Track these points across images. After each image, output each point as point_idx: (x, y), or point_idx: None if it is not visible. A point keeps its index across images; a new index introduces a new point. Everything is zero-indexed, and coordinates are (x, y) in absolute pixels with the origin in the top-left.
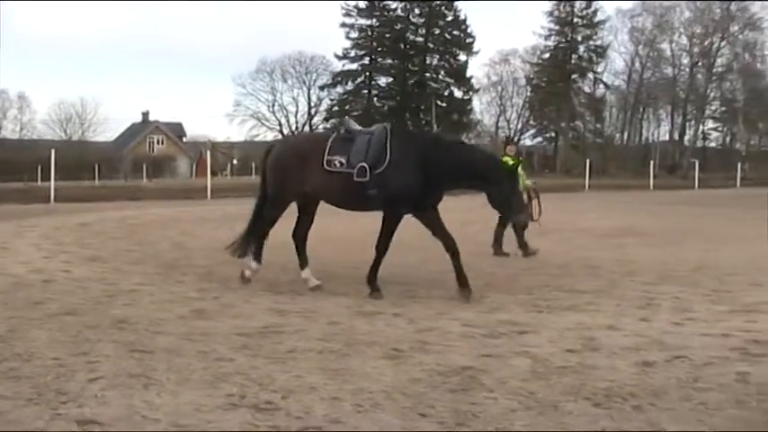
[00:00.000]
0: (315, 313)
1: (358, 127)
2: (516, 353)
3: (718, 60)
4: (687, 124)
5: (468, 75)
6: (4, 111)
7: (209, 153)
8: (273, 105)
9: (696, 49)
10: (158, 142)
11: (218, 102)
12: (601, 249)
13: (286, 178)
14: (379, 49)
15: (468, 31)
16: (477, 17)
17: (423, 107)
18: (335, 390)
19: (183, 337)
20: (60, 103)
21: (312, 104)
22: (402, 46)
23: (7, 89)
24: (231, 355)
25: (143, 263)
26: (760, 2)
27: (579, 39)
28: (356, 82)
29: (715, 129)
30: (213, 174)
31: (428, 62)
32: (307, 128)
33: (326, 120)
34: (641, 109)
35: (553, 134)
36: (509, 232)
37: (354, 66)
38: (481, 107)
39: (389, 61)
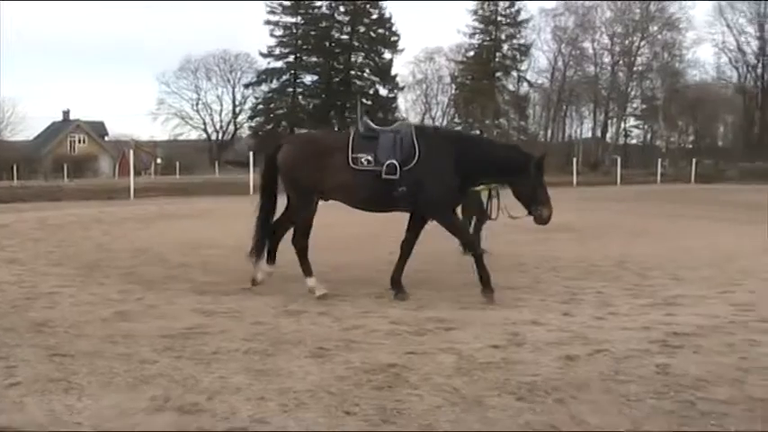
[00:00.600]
0: (240, 313)
1: (375, 125)
2: (442, 349)
3: (639, 59)
4: (609, 122)
5: (393, 73)
6: None
7: (131, 152)
8: (197, 104)
9: (617, 48)
10: (79, 141)
11: (142, 100)
12: (526, 245)
13: (307, 176)
14: (304, 46)
15: (393, 29)
16: (402, 15)
17: (348, 105)
18: (261, 390)
19: (106, 339)
20: None
21: (237, 103)
22: (327, 44)
23: None
24: (155, 358)
25: (63, 264)
26: (677, 2)
27: (503, 37)
28: (281, 80)
29: (636, 126)
30: (136, 173)
31: (353, 60)
32: (231, 127)
33: (251, 118)
34: (564, 107)
35: (478, 132)
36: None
37: (279, 64)
38: (406, 105)
39: (314, 59)
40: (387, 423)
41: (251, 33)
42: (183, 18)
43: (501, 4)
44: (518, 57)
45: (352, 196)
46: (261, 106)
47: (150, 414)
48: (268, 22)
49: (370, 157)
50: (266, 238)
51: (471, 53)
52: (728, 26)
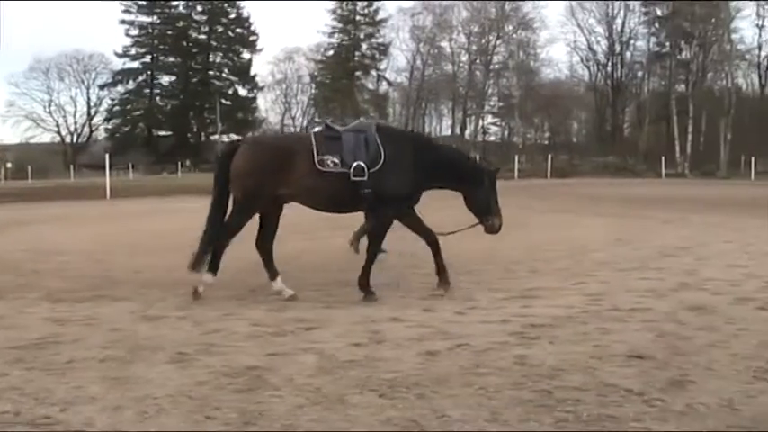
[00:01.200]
0: (96, 321)
1: (336, 126)
2: (303, 349)
3: (495, 58)
4: (468, 119)
5: (252, 73)
6: None
7: None
8: (50, 105)
9: (474, 47)
10: None
11: None
12: (386, 243)
13: (263, 181)
14: (161, 46)
15: (252, 28)
16: (261, 15)
17: (207, 105)
18: (118, 398)
19: None
20: None
21: (92, 104)
22: (185, 44)
23: None
24: (4, 370)
25: None
26: (531, 2)
27: (362, 36)
28: (137, 81)
29: (494, 123)
30: None
31: (212, 60)
32: (87, 129)
33: (107, 120)
34: (423, 105)
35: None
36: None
37: (135, 64)
38: (266, 105)
39: (172, 59)
40: (248, 425)
41: (105, 33)
42: (33, 16)
43: (359, 3)
44: (377, 56)
45: (318, 198)
46: (117, 108)
47: None
48: (123, 22)
49: (336, 159)
50: (211, 247)
51: (330, 52)
52: (579, 26)
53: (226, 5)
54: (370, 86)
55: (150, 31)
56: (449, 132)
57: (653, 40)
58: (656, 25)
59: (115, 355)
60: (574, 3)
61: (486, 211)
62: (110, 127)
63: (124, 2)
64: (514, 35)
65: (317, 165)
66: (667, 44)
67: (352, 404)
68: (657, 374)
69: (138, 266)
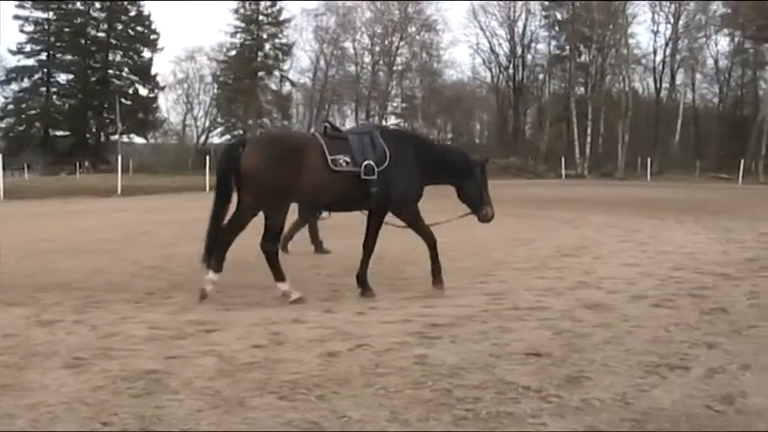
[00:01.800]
0: None
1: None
2: (203, 352)
3: (398, 59)
4: (371, 120)
5: (153, 72)
6: None
7: None
8: None
9: (377, 48)
10: None
11: None
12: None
13: (279, 178)
14: (58, 44)
15: (153, 27)
16: (162, 14)
17: (106, 105)
18: (10, 407)
19: None
20: None
21: None
22: (83, 41)
23: None
24: None
25: None
26: (435, 3)
27: (265, 36)
28: (33, 79)
29: (397, 124)
30: None
31: (111, 59)
32: None
33: (1, 119)
34: (327, 106)
35: (241, 131)
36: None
37: (31, 61)
38: (168, 105)
39: (69, 57)
40: (146, 430)
41: None
42: None
43: (262, 3)
44: (280, 56)
45: (327, 196)
46: (11, 106)
47: None
48: (17, 17)
49: (347, 158)
50: (216, 244)
51: (233, 52)
52: (482, 29)
53: (126, 3)
54: (274, 87)
55: (46, 27)
56: None
57: (553, 43)
58: (557, 29)
59: (8, 362)
60: (476, 5)
61: (479, 202)
62: (3, 126)
63: None
64: (417, 36)
65: (330, 164)
66: (567, 47)
67: (252, 407)
68: (554, 371)
69: (32, 270)
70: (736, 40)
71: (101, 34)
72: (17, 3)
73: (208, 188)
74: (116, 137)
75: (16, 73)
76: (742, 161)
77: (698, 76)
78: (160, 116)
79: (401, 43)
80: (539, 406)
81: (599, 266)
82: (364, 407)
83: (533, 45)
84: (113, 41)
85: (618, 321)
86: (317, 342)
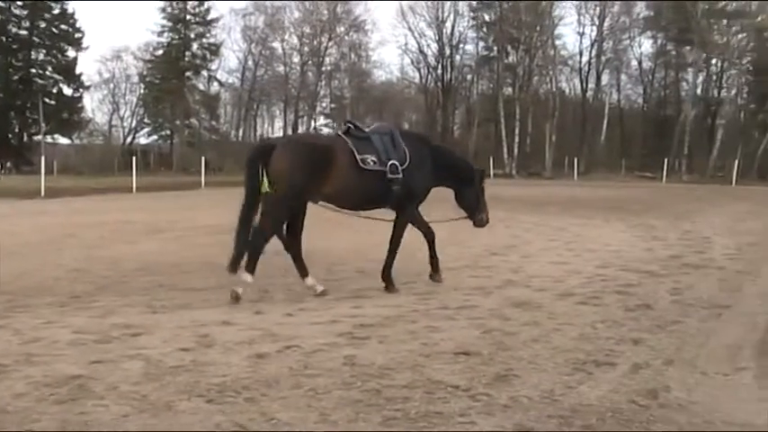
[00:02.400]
0: None
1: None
2: (129, 356)
3: (327, 59)
4: (300, 120)
5: (78, 71)
6: None
7: None
8: None
9: (306, 49)
10: None
11: None
12: (215, 246)
13: (310, 179)
14: None
15: (77, 25)
16: (87, 12)
17: (29, 105)
18: None
19: None
20: None
21: None
22: (3, 39)
23: None
24: None
25: None
26: (363, 3)
27: (193, 36)
28: None
29: (326, 125)
30: None
31: (34, 57)
32: None
33: None
34: (255, 106)
35: (169, 132)
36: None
37: None
38: (93, 105)
39: None
40: None
41: None
42: None
43: (190, 3)
44: (208, 56)
45: (356, 196)
46: None
47: None
48: None
49: (374, 158)
50: (246, 247)
51: (160, 52)
52: (410, 29)
53: (49, 1)
54: (201, 87)
55: None
56: (281, 134)
57: (481, 44)
58: (485, 30)
59: None
60: (405, 5)
61: (475, 207)
62: None
63: None
64: (346, 37)
65: (360, 163)
66: (495, 48)
67: (180, 411)
68: (483, 370)
69: None
70: (659, 42)
71: (23, 32)
72: None
73: (134, 189)
74: (39, 137)
75: None
76: (666, 160)
77: (623, 77)
78: (85, 116)
79: (330, 43)
80: (468, 405)
81: (527, 265)
82: (293, 408)
83: (461, 46)
84: (36, 39)
85: (545, 319)
86: (245, 344)
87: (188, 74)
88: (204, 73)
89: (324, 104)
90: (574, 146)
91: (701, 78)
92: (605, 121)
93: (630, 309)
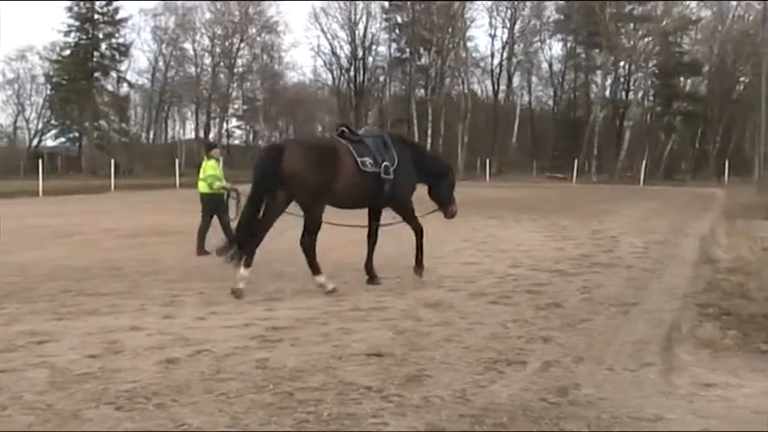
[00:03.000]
0: None
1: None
2: (34, 364)
3: (239, 61)
4: (212, 122)
5: None
6: None
7: None
8: None
9: (218, 50)
10: None
11: None
12: (124, 250)
13: (324, 177)
14: None
15: None
16: None
17: None
18: None
19: None
20: None
21: None
22: None
23: None
24: None
25: None
26: (276, 3)
27: (101, 36)
28: None
29: (238, 126)
30: None
31: None
32: None
33: None
34: (166, 108)
35: (77, 134)
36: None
37: None
38: None
39: None
40: None
41: None
42: None
43: (98, 2)
44: (117, 57)
45: (355, 195)
46: None
47: None
48: None
49: (371, 160)
50: (245, 242)
51: (67, 52)
52: (323, 31)
53: None
54: (110, 88)
55: None
56: (192, 136)
57: (394, 45)
58: (397, 32)
59: None
60: (317, 7)
61: (447, 201)
62: None
63: None
64: (258, 38)
65: (360, 165)
66: (407, 50)
67: (87, 419)
68: (396, 371)
69: None
70: (569, 45)
71: None
72: None
73: (42, 193)
74: None
75: None
76: (576, 161)
77: (533, 78)
78: None
79: (242, 45)
80: (380, 406)
81: (440, 266)
82: (204, 413)
83: (374, 47)
84: None
85: (457, 319)
86: (155, 349)
87: (96, 75)
88: (113, 74)
89: (236, 106)
90: (486, 147)
91: (609, 81)
92: (517, 123)
93: (541, 307)
